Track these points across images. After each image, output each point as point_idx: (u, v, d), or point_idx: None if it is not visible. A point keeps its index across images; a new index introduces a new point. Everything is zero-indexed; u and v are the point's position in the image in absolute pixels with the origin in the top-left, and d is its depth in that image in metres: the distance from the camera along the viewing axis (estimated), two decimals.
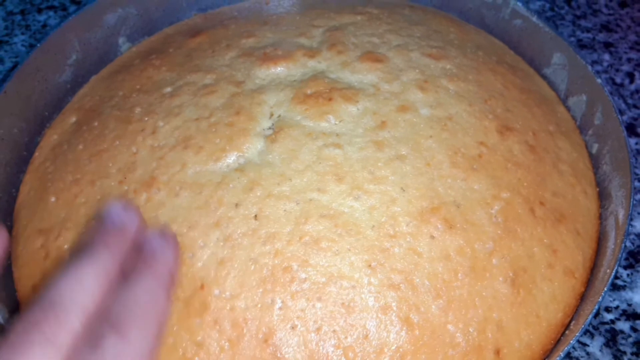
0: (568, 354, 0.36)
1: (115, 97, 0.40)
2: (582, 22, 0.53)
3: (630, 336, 0.36)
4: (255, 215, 0.33)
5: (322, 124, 0.36)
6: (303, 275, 0.31)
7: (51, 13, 0.55)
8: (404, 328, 0.30)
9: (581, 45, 0.52)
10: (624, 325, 0.37)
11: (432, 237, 0.32)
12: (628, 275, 0.40)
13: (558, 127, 0.39)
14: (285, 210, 0.33)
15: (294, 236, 0.32)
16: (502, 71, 0.41)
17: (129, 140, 0.37)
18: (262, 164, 0.34)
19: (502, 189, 0.34)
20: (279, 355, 0.30)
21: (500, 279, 0.32)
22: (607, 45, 0.51)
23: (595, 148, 0.39)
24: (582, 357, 0.36)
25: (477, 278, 0.32)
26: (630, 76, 0.48)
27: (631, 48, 0.51)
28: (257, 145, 0.35)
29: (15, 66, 0.38)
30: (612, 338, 0.36)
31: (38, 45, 0.39)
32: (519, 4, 0.43)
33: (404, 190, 0.34)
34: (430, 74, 0.39)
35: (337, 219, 0.33)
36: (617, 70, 0.49)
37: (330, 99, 0.37)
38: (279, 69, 0.39)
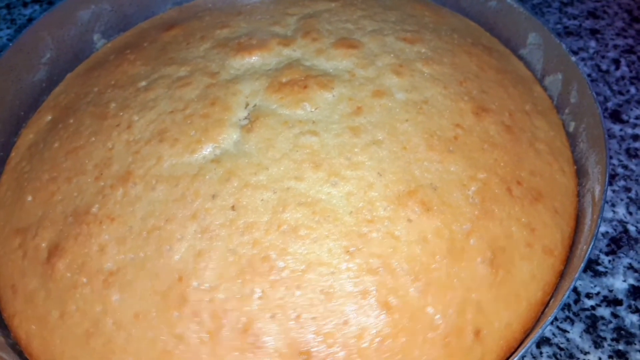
0: (548, 340, 0.36)
1: (91, 93, 0.40)
2: (569, 9, 0.53)
3: (610, 322, 0.36)
4: (233, 206, 0.32)
5: (298, 112, 0.36)
6: (282, 264, 0.31)
7: (37, 7, 0.55)
8: (384, 312, 0.30)
9: (568, 32, 0.52)
10: (604, 312, 0.37)
11: (410, 220, 0.32)
12: (609, 261, 0.40)
13: (534, 107, 0.39)
14: (262, 200, 0.33)
15: (272, 225, 0.32)
16: (478, 53, 0.41)
17: (104, 136, 0.36)
18: (238, 154, 0.34)
19: (478, 170, 0.34)
20: (259, 344, 0.30)
21: (479, 259, 0.32)
22: (594, 32, 0.51)
23: (572, 126, 0.39)
24: (562, 343, 0.36)
25: (455, 260, 0.32)
26: (616, 63, 0.48)
27: (617, 35, 0.51)
28: (233, 135, 0.35)
29: None
30: (592, 324, 0.36)
31: (10, 44, 0.39)
32: None
33: (380, 175, 0.33)
34: (405, 58, 0.39)
35: (314, 206, 0.32)
36: (603, 57, 0.49)
37: (305, 87, 0.37)
38: (254, 58, 0.39)
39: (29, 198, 0.36)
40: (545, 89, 0.42)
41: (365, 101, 0.36)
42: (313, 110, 0.36)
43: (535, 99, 0.40)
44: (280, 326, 0.30)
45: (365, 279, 0.31)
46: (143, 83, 0.39)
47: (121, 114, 0.37)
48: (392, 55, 0.39)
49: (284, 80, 0.37)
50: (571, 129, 0.39)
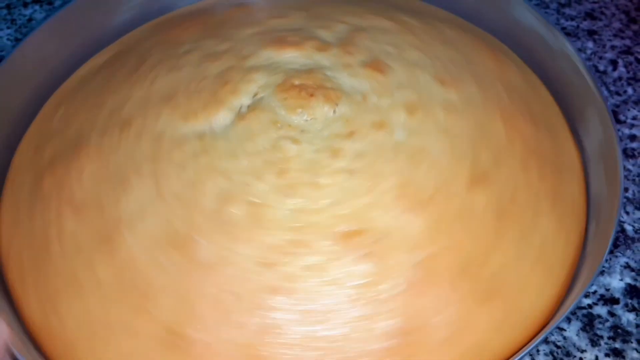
0: (545, 339, 0.34)
1: (142, 46, 0.44)
2: (567, 10, 0.53)
3: (607, 321, 0.35)
4: (190, 182, 0.34)
5: (293, 117, 0.35)
6: (205, 252, 0.32)
7: (37, 7, 0.56)
8: (269, 335, 0.29)
9: (565, 34, 0.51)
10: (601, 310, 0.36)
11: (341, 259, 0.30)
12: (606, 260, 0.38)
13: (554, 203, 0.33)
14: (217, 186, 0.33)
15: (214, 213, 0.32)
16: (517, 123, 0.36)
17: (129, 85, 0.40)
18: (221, 137, 0.35)
19: (438, 241, 0.31)
20: (151, 311, 0.31)
21: (388, 327, 0.29)
22: (591, 33, 0.51)
23: (592, 231, 0.33)
24: (558, 341, 0.35)
25: (364, 317, 0.29)
26: (614, 63, 0.48)
27: (615, 35, 0.50)
28: (226, 118, 0.36)
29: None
30: (589, 323, 0.36)
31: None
32: (569, 44, 0.37)
33: (335, 205, 0.32)
34: (428, 99, 0.36)
35: (260, 209, 0.32)
36: (601, 57, 0.49)
37: (312, 95, 0.36)
38: (286, 54, 0.39)
39: (57, 118, 0.41)
40: (587, 184, 0.36)
41: (361, 129, 0.35)
42: (308, 119, 0.35)
43: (563, 196, 0.34)
44: (174, 305, 0.31)
45: (270, 298, 0.30)
46: (184, 49, 0.41)
47: (151, 70, 0.40)
48: (415, 91, 0.36)
49: (296, 82, 0.37)
50: (591, 233, 0.33)
